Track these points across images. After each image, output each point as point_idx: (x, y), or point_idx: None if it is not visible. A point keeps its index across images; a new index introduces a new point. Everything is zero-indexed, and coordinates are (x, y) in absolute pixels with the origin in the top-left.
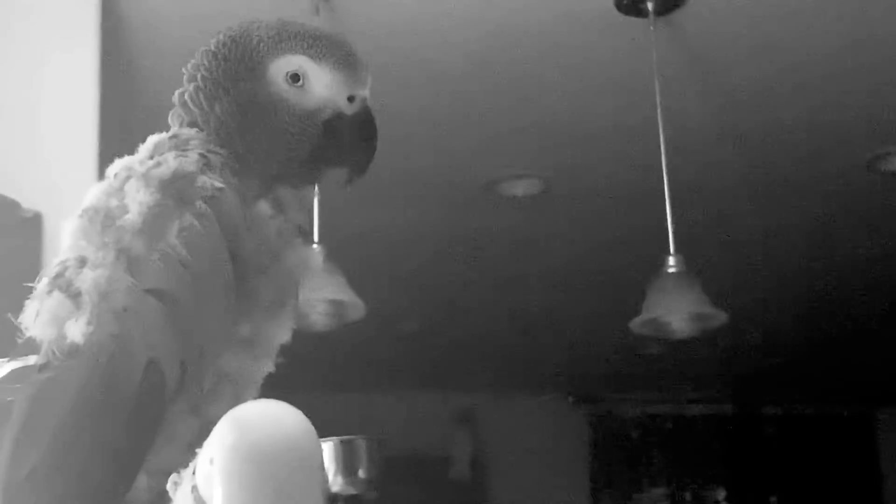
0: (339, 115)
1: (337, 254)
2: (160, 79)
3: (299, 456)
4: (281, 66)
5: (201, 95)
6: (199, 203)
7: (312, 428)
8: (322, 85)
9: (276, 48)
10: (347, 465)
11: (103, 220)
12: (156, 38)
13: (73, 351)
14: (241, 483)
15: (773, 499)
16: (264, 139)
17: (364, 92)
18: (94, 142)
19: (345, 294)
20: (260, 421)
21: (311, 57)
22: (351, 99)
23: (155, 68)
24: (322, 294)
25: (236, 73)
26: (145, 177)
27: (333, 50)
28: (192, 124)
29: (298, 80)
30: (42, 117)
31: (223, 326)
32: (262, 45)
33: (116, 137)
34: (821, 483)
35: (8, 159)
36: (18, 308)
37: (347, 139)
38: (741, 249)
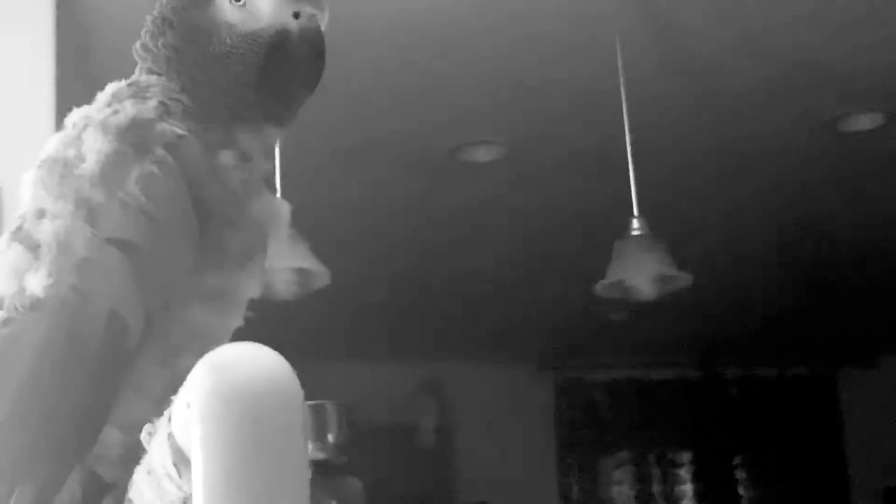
0: (284, 32)
1: (301, 222)
2: (116, 46)
3: (280, 397)
4: None
5: (148, 36)
6: (158, 150)
7: (292, 370)
8: (265, 1)
9: None
10: (317, 429)
11: (61, 170)
12: (112, 8)
13: (33, 304)
14: (221, 425)
15: (737, 459)
16: (209, 66)
17: (311, 8)
18: (51, 112)
19: (309, 262)
20: (239, 362)
21: None
22: (297, 16)
23: (111, 35)
24: (286, 262)
25: (183, 6)
26: (103, 125)
27: None
28: (149, 71)
29: None
30: None
31: (187, 275)
32: None
33: (74, 107)
34: (784, 443)
35: None
36: None
37: (293, 56)
38: (705, 212)
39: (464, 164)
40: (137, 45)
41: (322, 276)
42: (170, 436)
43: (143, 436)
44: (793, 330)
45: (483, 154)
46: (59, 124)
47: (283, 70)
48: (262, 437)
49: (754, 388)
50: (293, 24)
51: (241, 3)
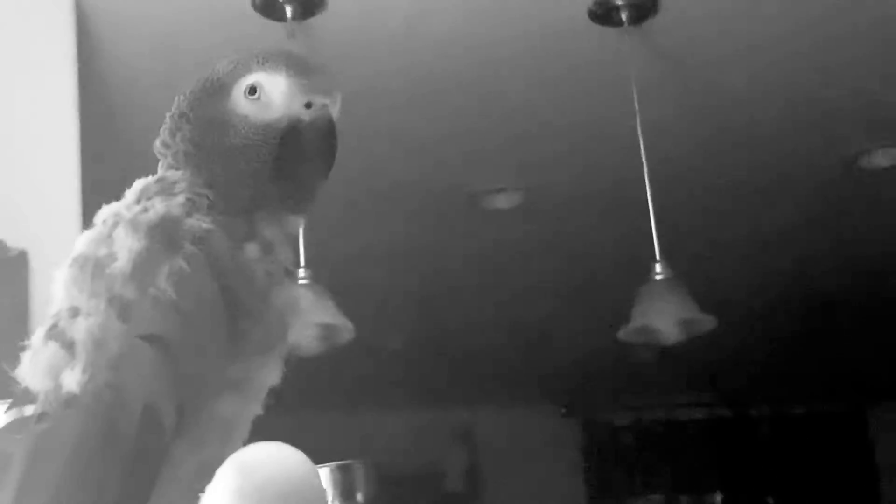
0: (296, 122)
1: (323, 275)
2: (140, 114)
3: (304, 497)
4: (240, 85)
5: (167, 132)
6: (187, 246)
7: (315, 468)
8: (278, 93)
9: (236, 71)
10: (345, 490)
11: (93, 268)
12: (134, 72)
13: (69, 400)
14: None
15: (769, 499)
16: (226, 158)
17: (322, 98)
18: (75, 176)
19: (333, 317)
20: (264, 463)
21: (266, 70)
22: (308, 105)
23: (135, 102)
24: (310, 318)
25: (199, 100)
26: (133, 222)
27: (288, 60)
28: (170, 167)
29: (255, 92)
30: (22, 154)
31: (217, 368)
32: (223, 71)
33: (98, 171)
34: (816, 481)
35: None
36: (6, 346)
37: (306, 145)
38: (727, 252)
39: (484, 212)
40: (157, 142)
41: (346, 330)
42: None
43: None
44: (822, 366)
45: (503, 201)
46: (83, 187)
47: (296, 159)
48: None
49: (785, 426)
50: (305, 115)
51: (255, 96)
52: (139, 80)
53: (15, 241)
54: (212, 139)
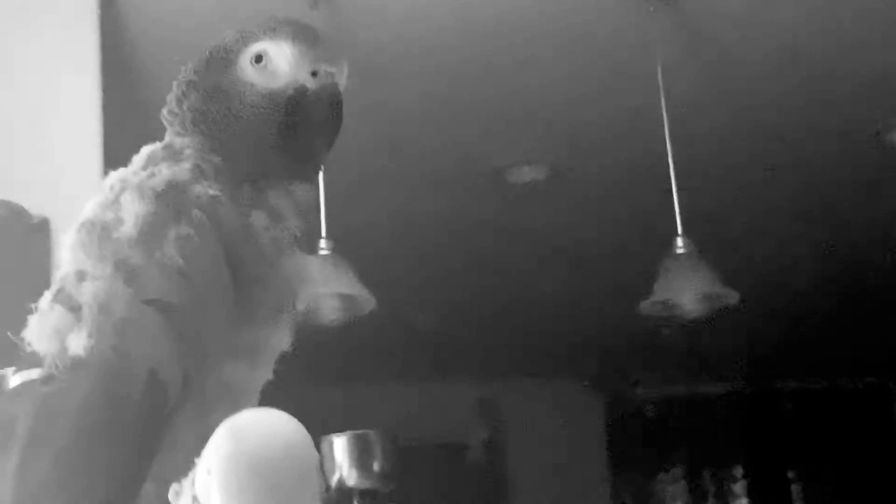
0: (302, 90)
1: (345, 246)
2: (161, 81)
3: (295, 463)
4: (247, 53)
5: (174, 101)
6: (194, 212)
7: (308, 435)
8: (283, 61)
9: (243, 39)
10: (361, 459)
11: (100, 232)
12: (156, 41)
13: (75, 364)
14: (239, 492)
15: (791, 474)
16: (233, 126)
17: (328, 67)
18: (97, 144)
19: (354, 288)
20: (255, 430)
21: (272, 39)
22: (314, 74)
23: (156, 70)
24: (331, 288)
25: (206, 68)
26: (140, 188)
27: (294, 28)
28: (178, 134)
29: (261, 60)
30: (45, 123)
31: (223, 334)
32: (230, 39)
33: (120, 139)
34: (839, 456)
35: (13, 166)
36: (29, 313)
37: (311, 113)
38: (751, 227)
39: (510, 185)
40: (164, 110)
41: (367, 301)
42: (194, 498)
43: (171, 495)
44: (845, 341)
45: (528, 174)
46: (106, 155)
47: (301, 127)
48: (278, 502)
49: (808, 402)
50: (311, 83)
51: (261, 64)
52: (162, 49)
53: (37, 209)
54: (217, 107)
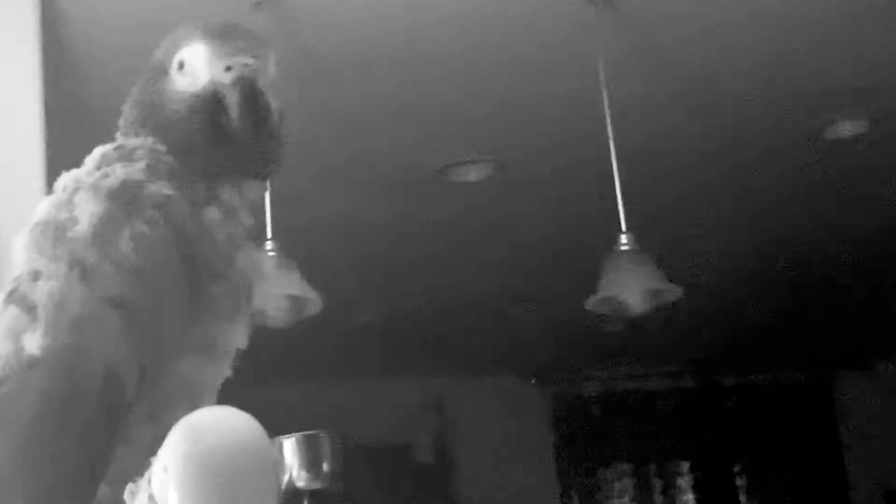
0: (219, 87)
1: (292, 246)
2: (104, 86)
3: (252, 461)
4: (174, 63)
5: (121, 121)
6: (148, 210)
7: (264, 432)
8: (200, 63)
9: (169, 50)
10: (311, 459)
11: (54, 232)
12: (98, 43)
13: (31, 363)
14: (195, 491)
15: (737, 467)
16: (167, 134)
17: (241, 59)
18: (39, 151)
19: (301, 289)
20: (212, 428)
21: (189, 44)
22: (229, 69)
23: (99, 73)
24: (278, 290)
25: (145, 85)
26: (94, 187)
27: (206, 29)
28: (130, 135)
29: (183, 66)
30: None
31: (179, 331)
32: (161, 53)
33: (63, 147)
34: (783, 449)
35: None
36: None
37: (228, 107)
38: (695, 222)
39: (453, 184)
40: (120, 120)
41: (314, 302)
42: (150, 497)
43: (126, 494)
44: (788, 336)
45: (472, 173)
46: (49, 162)
47: (225, 122)
48: (233, 500)
49: (752, 396)
50: (226, 77)
51: (184, 70)
52: (103, 51)
53: None
54: (154, 120)
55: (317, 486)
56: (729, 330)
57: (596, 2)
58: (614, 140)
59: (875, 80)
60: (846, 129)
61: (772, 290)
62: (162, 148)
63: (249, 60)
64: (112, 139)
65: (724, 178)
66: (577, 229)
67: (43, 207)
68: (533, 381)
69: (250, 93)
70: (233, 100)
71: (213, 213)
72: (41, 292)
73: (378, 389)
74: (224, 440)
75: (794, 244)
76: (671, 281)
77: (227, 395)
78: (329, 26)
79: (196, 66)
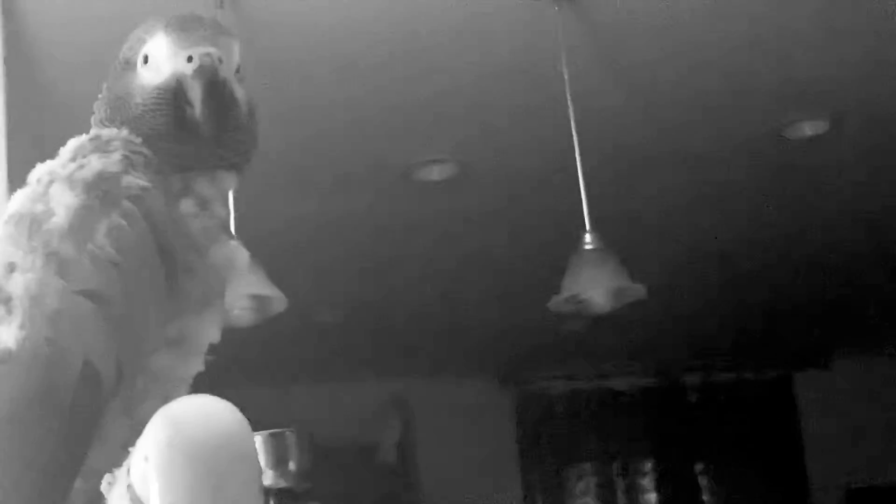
0: (179, 77)
1: (255, 246)
2: (64, 80)
3: (234, 449)
4: (140, 57)
5: (93, 119)
6: (125, 203)
7: (245, 421)
8: (162, 56)
9: (134, 46)
10: (278, 458)
11: (30, 224)
12: (58, 42)
13: (5, 356)
14: (177, 479)
15: (699, 466)
16: (137, 126)
17: (201, 48)
18: (1, 149)
19: (266, 288)
20: (193, 416)
21: (152, 37)
22: (190, 59)
23: (59, 72)
24: (243, 289)
25: (112, 82)
26: (69, 179)
27: (168, 21)
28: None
29: (147, 59)
30: None
31: (155, 323)
32: (127, 49)
33: (23, 144)
34: (745, 448)
35: None
36: None
37: (190, 98)
38: (657, 222)
39: (417, 183)
40: (93, 115)
41: (278, 301)
42: (129, 487)
43: (104, 486)
44: (749, 335)
45: (436, 173)
46: (9, 159)
47: (188, 113)
48: (218, 487)
49: (713, 394)
50: (188, 68)
51: (148, 64)
52: (64, 49)
53: None
54: (121, 115)
55: (283, 484)
56: (692, 328)
57: (559, 1)
58: (578, 139)
59: (836, 79)
60: (805, 129)
61: (733, 288)
62: (137, 139)
63: (211, 50)
64: (73, 131)
65: (687, 177)
66: (542, 228)
67: (17, 199)
68: (496, 381)
69: (212, 82)
70: (195, 90)
71: (187, 206)
72: (17, 285)
73: (341, 389)
74: (206, 428)
75: (755, 243)
76: (635, 280)
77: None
78: (291, 26)
79: (159, 59)
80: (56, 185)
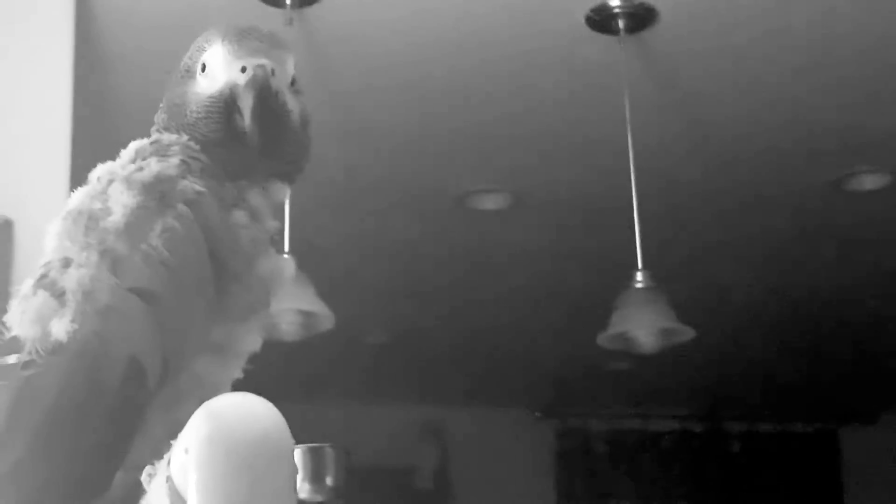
0: (233, 87)
1: (307, 264)
2: (133, 86)
3: (272, 446)
4: (199, 66)
5: (154, 127)
6: (180, 206)
7: (284, 421)
8: (218, 65)
9: (196, 55)
10: (315, 472)
11: (87, 221)
12: (130, 52)
13: (56, 348)
14: (216, 472)
15: None
16: (194, 133)
17: (255, 60)
18: (66, 148)
19: (314, 304)
20: (234, 412)
21: (210, 46)
22: (243, 70)
23: (128, 79)
24: (291, 304)
25: (172, 89)
26: (128, 180)
27: (225, 31)
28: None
29: (205, 68)
30: (13, 124)
31: (202, 326)
32: (189, 57)
33: (88, 144)
34: (785, 499)
35: None
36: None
37: (242, 108)
38: (710, 267)
39: (471, 212)
40: (155, 119)
41: (326, 318)
42: (168, 479)
43: (144, 477)
44: (795, 386)
45: (490, 202)
46: (73, 159)
47: (238, 122)
48: (254, 483)
49: (757, 443)
50: (241, 79)
51: (205, 72)
52: (134, 59)
53: (0, 210)
54: (177, 121)
55: (318, 499)
56: (738, 376)
57: (623, 37)
58: (635, 177)
59: None
60: (866, 182)
61: (784, 338)
62: (195, 146)
63: (264, 61)
64: (136, 135)
65: (741, 224)
66: (593, 263)
67: (77, 196)
68: (538, 415)
69: (263, 93)
70: (246, 100)
71: (239, 216)
72: (71, 279)
73: (382, 411)
74: (246, 424)
75: (808, 293)
76: (684, 322)
77: None
78: (354, 49)
79: (215, 68)
80: (115, 184)
